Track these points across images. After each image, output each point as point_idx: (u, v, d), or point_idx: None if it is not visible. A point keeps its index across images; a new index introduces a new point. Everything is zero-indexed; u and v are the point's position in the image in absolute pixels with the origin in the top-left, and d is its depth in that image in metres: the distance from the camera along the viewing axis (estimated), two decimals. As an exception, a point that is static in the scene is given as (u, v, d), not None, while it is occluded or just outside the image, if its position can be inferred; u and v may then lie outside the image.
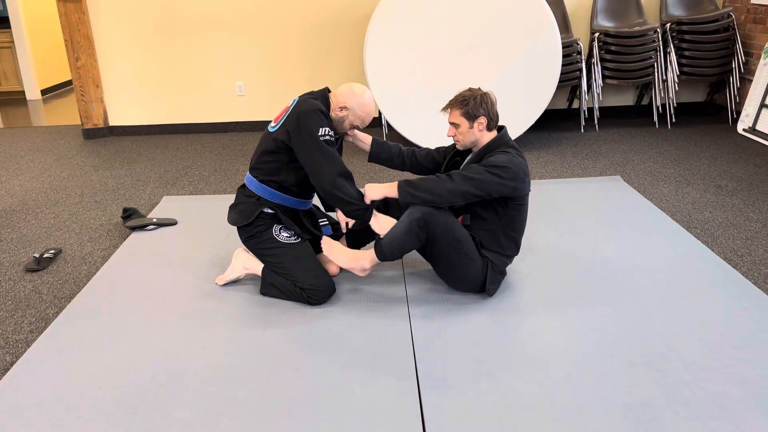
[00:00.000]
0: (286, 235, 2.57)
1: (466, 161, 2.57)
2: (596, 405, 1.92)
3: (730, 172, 4.10)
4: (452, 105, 2.47)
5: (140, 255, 3.04)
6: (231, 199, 3.77)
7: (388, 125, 5.12)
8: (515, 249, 2.55)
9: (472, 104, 2.42)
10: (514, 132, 4.62)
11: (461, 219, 2.51)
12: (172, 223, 3.40)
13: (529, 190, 2.47)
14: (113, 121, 5.44)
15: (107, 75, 5.29)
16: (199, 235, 3.26)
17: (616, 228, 3.23)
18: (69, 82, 8.39)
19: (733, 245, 3.04)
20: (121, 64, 5.27)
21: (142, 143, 5.21)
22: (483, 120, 2.43)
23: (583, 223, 3.31)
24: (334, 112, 2.54)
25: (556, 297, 2.56)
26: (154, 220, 3.37)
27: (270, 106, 5.41)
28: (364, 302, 2.56)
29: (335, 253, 2.53)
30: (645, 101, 5.57)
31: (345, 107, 2.52)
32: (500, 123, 4.53)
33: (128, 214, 3.47)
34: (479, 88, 2.48)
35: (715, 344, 2.22)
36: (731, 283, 2.64)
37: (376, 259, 2.47)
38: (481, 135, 2.46)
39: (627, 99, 5.58)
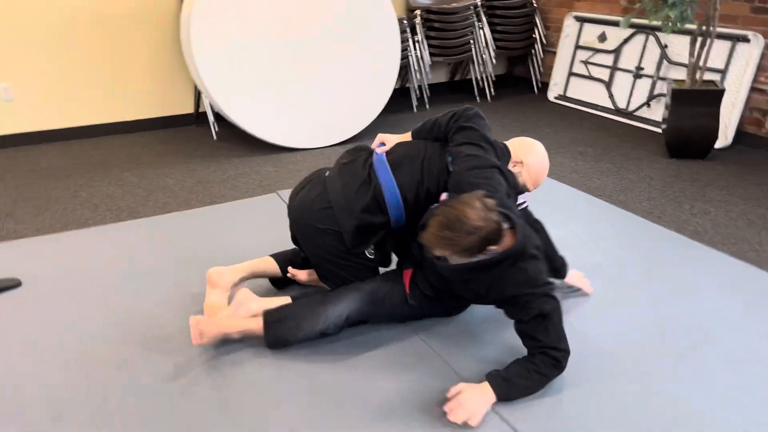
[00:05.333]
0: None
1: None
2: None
3: (577, 138, 4.35)
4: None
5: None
6: (51, 241, 2.83)
7: (217, 118, 4.40)
8: None
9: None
10: (368, 119, 4.31)
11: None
12: (15, 284, 2.40)
13: None
14: None
15: None
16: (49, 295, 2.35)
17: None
18: None
19: (641, 206, 3.19)
20: None
21: None
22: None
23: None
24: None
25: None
26: (-16, 286, 2.34)
27: (50, 114, 4.24)
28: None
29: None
30: (458, 77, 5.70)
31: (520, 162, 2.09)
32: (372, 118, 4.24)
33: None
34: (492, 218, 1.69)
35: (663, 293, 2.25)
36: (660, 236, 2.85)
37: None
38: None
39: (442, 75, 5.65)
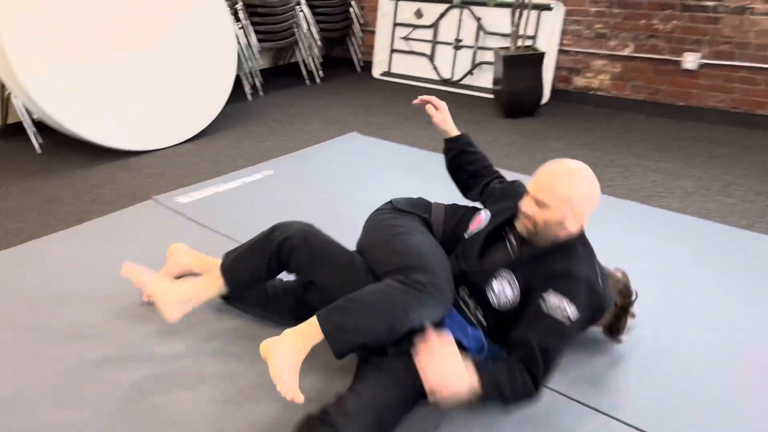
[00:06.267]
0: None
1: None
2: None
3: (417, 111, 4.48)
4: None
5: None
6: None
7: (36, 125, 3.86)
8: None
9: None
10: (215, 111, 4.11)
11: None
12: None
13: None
14: None
15: None
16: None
17: (428, 175, 3.31)
18: None
19: (504, 162, 3.51)
20: None
21: None
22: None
23: (382, 179, 3.29)
24: None
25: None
26: None
27: None
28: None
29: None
30: (282, 61, 5.65)
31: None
32: (218, 109, 3.96)
33: None
34: None
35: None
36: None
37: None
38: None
39: (267, 61, 5.56)
